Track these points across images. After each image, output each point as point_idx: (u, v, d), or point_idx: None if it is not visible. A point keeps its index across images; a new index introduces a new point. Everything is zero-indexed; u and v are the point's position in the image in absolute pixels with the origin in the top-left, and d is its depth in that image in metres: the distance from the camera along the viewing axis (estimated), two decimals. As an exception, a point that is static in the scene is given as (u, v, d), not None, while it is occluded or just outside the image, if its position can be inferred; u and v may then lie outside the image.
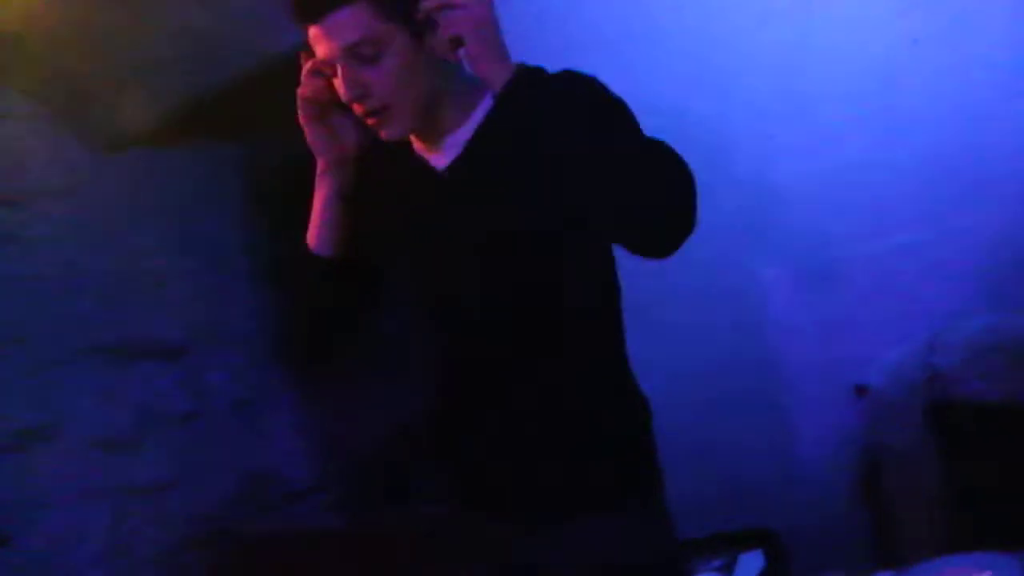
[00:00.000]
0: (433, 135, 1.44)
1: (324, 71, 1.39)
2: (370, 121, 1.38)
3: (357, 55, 1.32)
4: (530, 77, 1.31)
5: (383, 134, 1.39)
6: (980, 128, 2.62)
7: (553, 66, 1.38)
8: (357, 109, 1.37)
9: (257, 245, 2.74)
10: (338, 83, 1.35)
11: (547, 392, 1.45)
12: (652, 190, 1.28)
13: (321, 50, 1.34)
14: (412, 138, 1.47)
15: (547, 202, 1.37)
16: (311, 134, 1.46)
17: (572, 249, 1.43)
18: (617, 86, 1.41)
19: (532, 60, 1.35)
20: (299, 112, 1.44)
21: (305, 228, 1.54)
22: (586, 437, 1.46)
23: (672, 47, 2.76)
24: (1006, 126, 2.60)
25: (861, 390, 2.56)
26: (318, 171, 1.50)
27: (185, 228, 2.60)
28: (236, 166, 2.77)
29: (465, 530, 1.56)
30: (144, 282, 2.45)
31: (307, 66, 1.40)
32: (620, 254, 1.42)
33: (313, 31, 1.34)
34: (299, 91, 1.42)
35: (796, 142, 2.75)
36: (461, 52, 1.31)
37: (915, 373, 2.41)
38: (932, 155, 2.66)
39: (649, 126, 1.37)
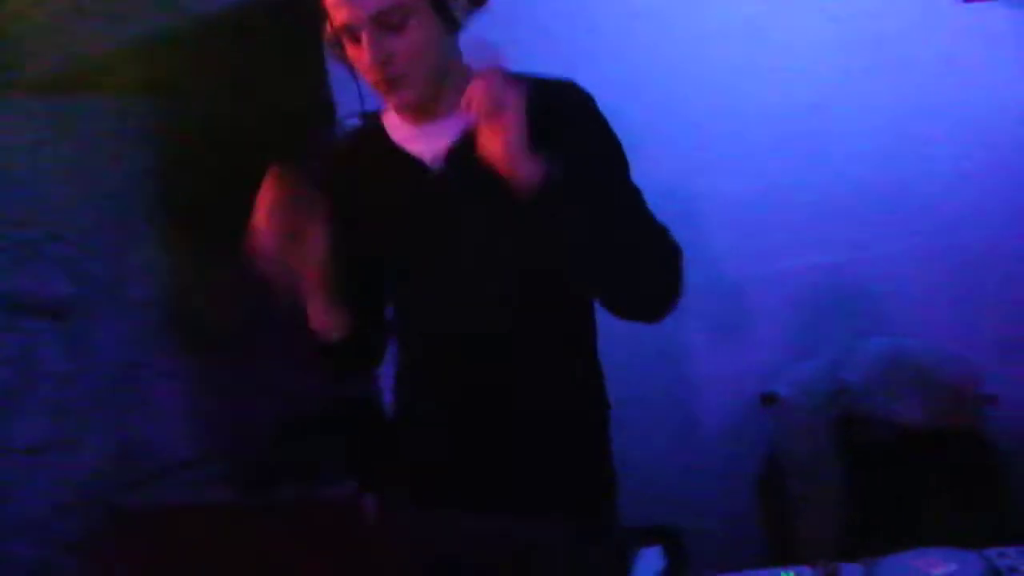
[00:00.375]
0: (427, 116, 1.46)
1: (339, 37, 1.39)
2: (383, 86, 1.39)
3: (384, 23, 1.34)
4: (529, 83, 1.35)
5: (395, 99, 1.41)
6: (903, 157, 2.72)
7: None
8: (373, 75, 1.38)
9: (159, 207, 2.63)
10: (354, 49, 1.37)
11: (530, 385, 1.49)
12: (644, 275, 1.40)
13: (344, 15, 1.35)
14: (395, 125, 1.49)
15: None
16: (284, 274, 1.40)
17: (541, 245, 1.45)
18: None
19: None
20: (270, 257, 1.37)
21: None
22: (564, 435, 1.51)
23: (615, 52, 2.79)
24: (927, 157, 2.69)
25: (768, 399, 2.58)
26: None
27: (85, 182, 2.48)
28: (143, 124, 2.67)
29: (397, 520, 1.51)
30: (38, 235, 2.32)
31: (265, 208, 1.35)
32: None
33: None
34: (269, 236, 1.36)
35: (724, 159, 2.80)
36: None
37: (823, 387, 2.46)
38: (855, 181, 2.72)
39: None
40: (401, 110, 1.47)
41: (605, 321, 1.54)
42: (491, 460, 1.50)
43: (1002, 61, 2.67)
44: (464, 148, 1.40)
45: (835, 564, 1.18)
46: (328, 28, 1.40)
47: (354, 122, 1.59)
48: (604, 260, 1.38)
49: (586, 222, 1.35)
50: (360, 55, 1.36)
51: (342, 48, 1.41)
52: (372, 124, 1.54)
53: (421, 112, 1.46)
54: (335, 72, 2.92)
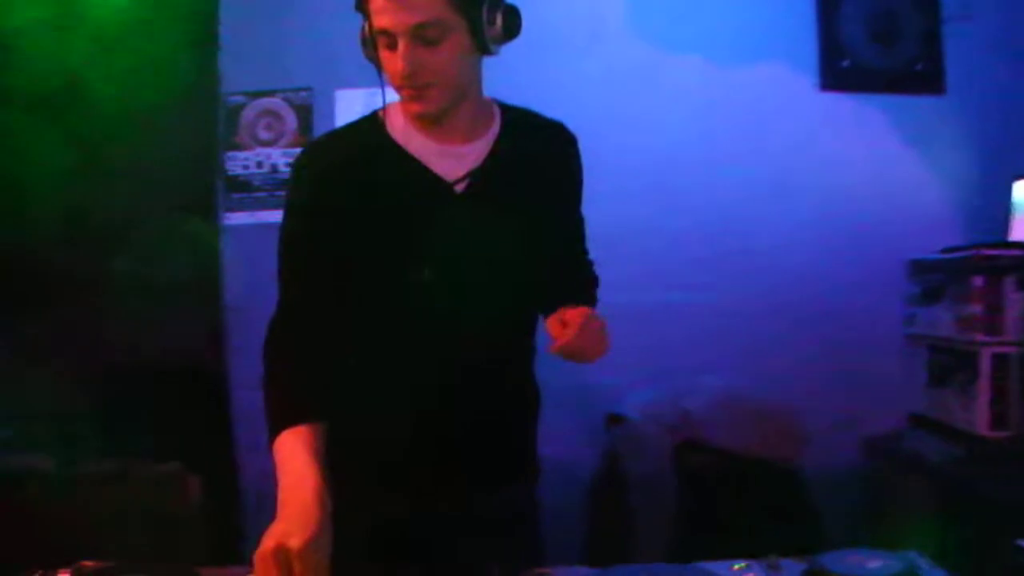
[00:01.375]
0: (452, 138, 1.54)
1: (374, 38, 1.44)
2: (407, 94, 1.45)
3: (422, 35, 1.40)
4: (521, 116, 1.62)
5: (419, 108, 1.46)
6: (751, 217, 3.05)
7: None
8: (400, 82, 1.44)
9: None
10: (387, 54, 1.43)
11: (498, 384, 1.63)
12: None
13: (386, 20, 1.39)
14: (409, 137, 1.53)
15: (536, 225, 1.60)
16: None
17: (541, 267, 1.64)
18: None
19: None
20: None
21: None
22: (522, 424, 1.72)
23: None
24: (772, 218, 3.03)
25: (613, 420, 2.81)
26: None
27: None
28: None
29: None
30: None
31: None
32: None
33: (383, 2, 1.39)
34: None
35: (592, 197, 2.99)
36: None
37: (668, 414, 2.70)
38: (706, 231, 3.02)
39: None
40: (417, 120, 1.51)
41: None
42: (453, 451, 1.61)
43: (846, 143, 3.08)
44: (485, 173, 1.53)
45: (777, 559, 1.37)
46: (366, 28, 1.46)
47: (353, 122, 1.61)
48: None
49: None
50: (392, 60, 1.42)
51: (375, 48, 1.45)
52: (373, 126, 1.56)
53: (443, 132, 1.52)
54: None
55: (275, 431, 1.45)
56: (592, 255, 1.82)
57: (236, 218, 2.99)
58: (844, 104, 3.09)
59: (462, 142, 1.54)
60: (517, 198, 1.56)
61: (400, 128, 1.54)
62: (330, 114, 2.99)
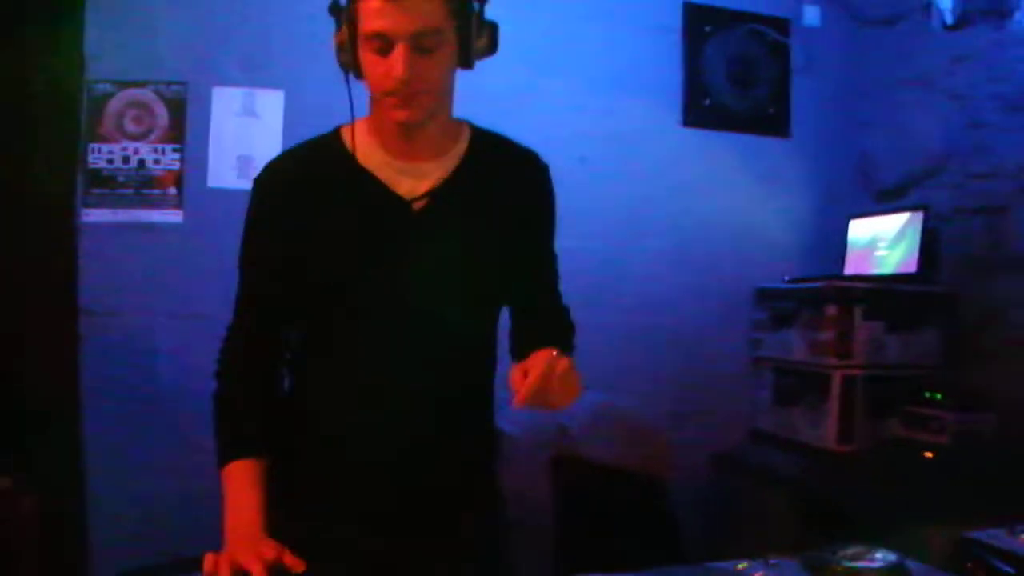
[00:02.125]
0: (417, 155, 1.53)
1: (353, 41, 1.43)
2: (394, 100, 1.43)
3: (419, 43, 1.39)
4: (491, 139, 1.61)
5: (405, 115, 1.44)
6: (621, 243, 3.17)
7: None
8: (391, 87, 1.41)
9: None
10: (373, 58, 1.40)
11: (453, 407, 1.58)
12: None
13: (384, 24, 1.37)
14: (369, 152, 1.53)
15: (492, 248, 1.57)
16: None
17: (495, 291, 1.63)
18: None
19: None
20: None
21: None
22: (479, 448, 1.67)
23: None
24: (640, 246, 3.18)
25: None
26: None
27: None
28: None
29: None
30: None
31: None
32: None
33: (381, 4, 1.36)
34: None
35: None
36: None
37: (544, 428, 2.77)
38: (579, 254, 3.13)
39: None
40: (398, 128, 1.49)
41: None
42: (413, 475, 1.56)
43: (702, 176, 3.30)
44: (444, 193, 1.52)
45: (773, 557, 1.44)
46: (345, 30, 1.43)
47: (314, 139, 1.58)
48: None
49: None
50: (380, 65, 1.39)
51: (351, 52, 1.43)
52: (333, 144, 1.55)
53: (409, 148, 1.51)
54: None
55: (225, 459, 1.51)
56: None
57: (96, 215, 2.78)
58: (703, 140, 3.31)
59: (426, 159, 1.53)
60: (476, 220, 1.55)
61: (361, 145, 1.53)
62: (205, 111, 2.86)
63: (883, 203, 3.29)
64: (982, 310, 2.86)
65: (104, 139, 2.79)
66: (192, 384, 2.84)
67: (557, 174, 1.65)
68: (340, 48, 1.46)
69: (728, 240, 3.33)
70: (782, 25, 3.37)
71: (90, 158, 2.78)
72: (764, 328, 3.24)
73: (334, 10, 1.46)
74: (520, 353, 1.61)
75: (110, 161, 2.79)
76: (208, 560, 1.34)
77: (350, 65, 1.45)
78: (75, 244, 2.76)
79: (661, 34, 3.27)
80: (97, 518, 2.77)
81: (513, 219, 1.59)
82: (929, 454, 2.66)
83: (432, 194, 1.52)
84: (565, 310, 1.77)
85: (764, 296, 3.26)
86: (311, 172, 1.53)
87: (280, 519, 1.46)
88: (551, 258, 1.73)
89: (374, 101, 1.49)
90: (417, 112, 1.44)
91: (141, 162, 2.80)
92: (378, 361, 1.52)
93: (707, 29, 3.29)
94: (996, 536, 1.52)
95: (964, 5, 2.34)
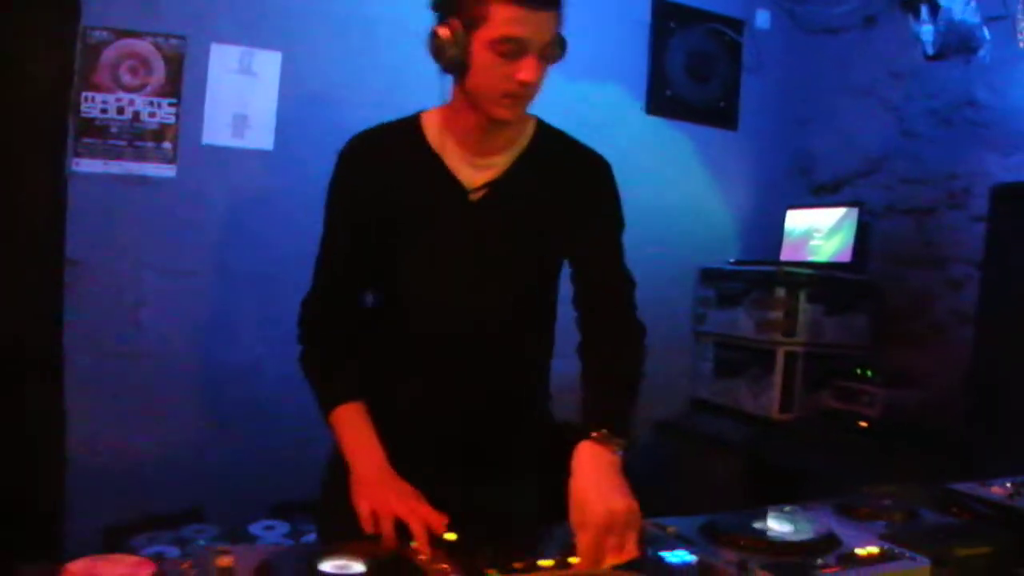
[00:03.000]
0: (487, 150, 1.64)
1: (468, 37, 1.50)
2: (509, 100, 1.54)
3: (545, 53, 1.52)
4: (554, 136, 1.71)
5: (510, 114, 1.56)
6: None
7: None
8: (511, 88, 1.52)
9: None
10: (496, 60, 1.49)
11: (501, 386, 1.70)
12: None
13: (522, 31, 1.47)
14: (452, 152, 1.64)
15: (547, 240, 1.69)
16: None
17: (552, 277, 1.76)
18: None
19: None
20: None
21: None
22: (527, 420, 1.77)
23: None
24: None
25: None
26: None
27: None
28: None
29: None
30: None
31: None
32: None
33: (521, 13, 1.46)
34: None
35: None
36: None
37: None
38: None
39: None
40: (483, 124, 1.60)
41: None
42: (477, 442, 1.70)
43: (661, 163, 3.53)
44: (502, 185, 1.65)
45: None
46: (455, 26, 1.50)
47: (396, 121, 1.69)
48: None
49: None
50: (504, 68, 1.49)
51: (463, 48, 1.51)
52: (413, 129, 1.67)
53: (483, 142, 1.63)
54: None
55: (333, 404, 1.62)
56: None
57: (87, 165, 2.74)
58: (663, 128, 3.55)
59: (494, 154, 1.65)
60: (529, 212, 1.66)
61: (436, 135, 1.65)
62: (203, 67, 2.85)
63: (819, 197, 3.63)
64: (907, 299, 3.24)
65: (98, 88, 2.74)
66: (175, 340, 2.88)
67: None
68: (447, 43, 1.52)
69: (677, 222, 3.58)
70: (738, 26, 3.63)
71: (83, 107, 2.73)
72: (709, 305, 3.53)
73: (441, 5, 1.53)
74: (586, 385, 1.65)
75: (104, 111, 2.74)
76: (365, 511, 1.44)
77: (458, 60, 1.52)
78: (64, 192, 2.72)
79: (632, 26, 3.48)
80: (73, 471, 2.76)
81: (568, 215, 1.68)
82: (864, 424, 3.02)
83: (490, 185, 1.64)
84: (636, 331, 1.71)
85: (710, 276, 3.54)
86: (391, 152, 1.64)
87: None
88: (614, 258, 1.71)
89: (467, 96, 1.57)
90: (518, 112, 1.58)
91: (136, 114, 2.78)
92: (429, 336, 1.66)
93: (672, 25, 3.51)
94: (972, 487, 1.80)
95: (943, 40, 2.65)
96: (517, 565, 1.29)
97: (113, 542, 2.69)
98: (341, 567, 1.25)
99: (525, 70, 1.49)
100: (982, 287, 2.55)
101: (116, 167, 2.77)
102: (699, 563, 1.33)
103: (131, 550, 2.52)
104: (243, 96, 2.91)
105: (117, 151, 2.77)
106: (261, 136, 2.94)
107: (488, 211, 1.64)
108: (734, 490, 3.09)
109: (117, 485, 2.80)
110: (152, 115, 2.81)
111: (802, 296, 3.17)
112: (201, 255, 2.90)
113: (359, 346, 1.70)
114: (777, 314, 3.18)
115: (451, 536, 1.40)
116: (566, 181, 1.68)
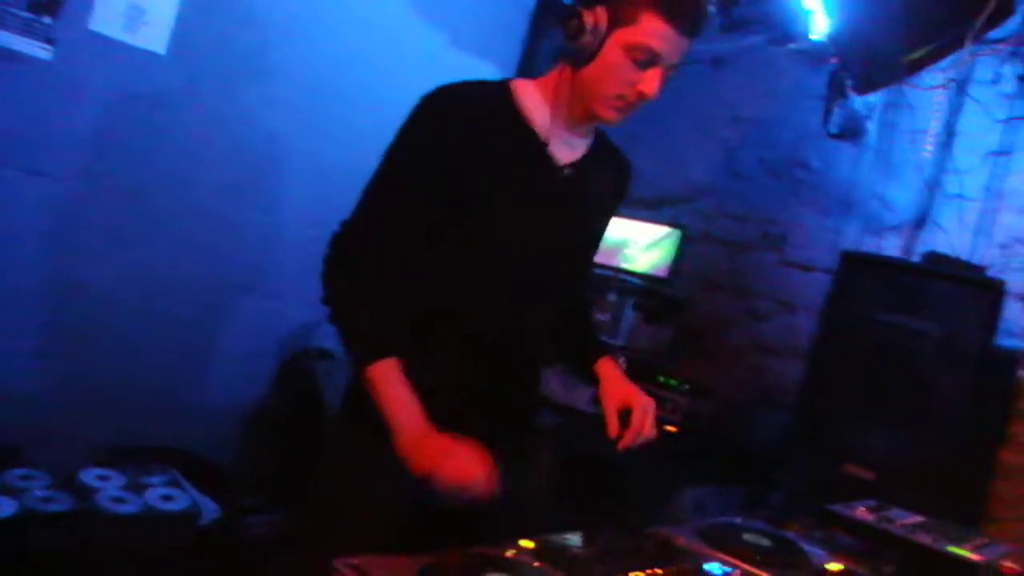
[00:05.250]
0: (573, 131, 1.70)
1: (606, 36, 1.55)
2: (623, 104, 1.61)
3: (669, 73, 1.60)
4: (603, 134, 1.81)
5: (619, 118, 1.64)
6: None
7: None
8: (630, 95, 1.58)
9: None
10: (628, 69, 1.55)
11: (533, 348, 1.78)
12: None
13: (664, 47, 1.55)
14: (536, 112, 1.67)
15: (599, 225, 1.85)
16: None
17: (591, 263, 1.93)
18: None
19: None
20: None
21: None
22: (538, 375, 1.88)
23: None
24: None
25: (321, 355, 2.91)
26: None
27: None
28: None
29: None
30: None
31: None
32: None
33: (668, 31, 1.54)
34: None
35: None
36: None
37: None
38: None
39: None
40: (603, 124, 1.68)
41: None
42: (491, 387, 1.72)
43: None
44: (583, 166, 1.71)
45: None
46: (601, 18, 1.54)
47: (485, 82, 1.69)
48: None
49: None
50: (631, 73, 1.55)
51: (601, 40, 1.55)
52: (504, 95, 1.66)
53: (570, 123, 1.67)
54: None
55: (374, 356, 1.53)
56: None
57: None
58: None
59: (577, 136, 1.71)
60: (597, 196, 1.77)
61: (528, 105, 1.67)
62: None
63: (635, 210, 3.92)
64: (710, 321, 3.64)
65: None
66: (13, 248, 2.45)
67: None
68: (588, 29, 1.55)
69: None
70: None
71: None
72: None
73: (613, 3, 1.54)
74: (568, 343, 1.88)
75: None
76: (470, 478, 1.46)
77: (591, 49, 1.55)
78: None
79: (515, 11, 3.51)
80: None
81: (607, 209, 1.83)
82: (672, 428, 3.35)
83: (576, 165, 1.70)
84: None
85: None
86: (482, 111, 1.63)
87: None
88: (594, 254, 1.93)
89: (575, 82, 1.61)
90: (622, 118, 1.64)
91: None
92: (490, 291, 1.67)
93: (552, 18, 3.60)
94: (841, 509, 2.11)
95: (843, 124, 3.05)
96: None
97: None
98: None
99: (649, 83, 1.56)
100: (820, 330, 2.95)
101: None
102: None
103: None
104: (143, -15, 2.53)
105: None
106: (155, 36, 2.59)
107: (574, 189, 1.68)
108: (551, 475, 3.29)
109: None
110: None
111: (629, 303, 3.44)
112: (64, 157, 2.50)
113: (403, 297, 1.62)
114: (606, 316, 3.42)
115: None
116: (612, 179, 1.80)
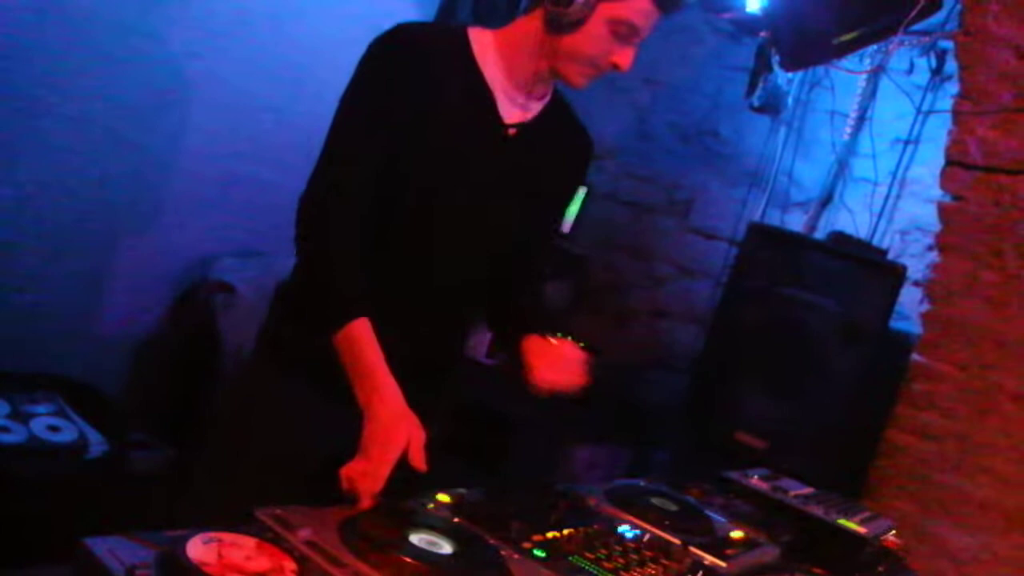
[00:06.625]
0: (523, 88, 1.65)
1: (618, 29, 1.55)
2: (594, 72, 1.59)
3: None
4: (563, 101, 1.77)
5: (585, 83, 1.61)
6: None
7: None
8: (602, 65, 1.58)
9: None
10: (605, 37, 1.55)
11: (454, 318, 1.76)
12: None
13: (643, 22, 1.55)
14: (493, 76, 1.63)
15: (540, 196, 1.78)
16: None
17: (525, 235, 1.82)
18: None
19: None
20: None
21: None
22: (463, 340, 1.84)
23: None
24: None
25: (221, 287, 2.79)
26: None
27: None
28: None
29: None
30: None
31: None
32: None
33: (651, 8, 1.54)
34: None
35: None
36: None
37: (271, 283, 2.82)
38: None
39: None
40: (544, 74, 1.62)
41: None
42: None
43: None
44: (530, 130, 1.67)
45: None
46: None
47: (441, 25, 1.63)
48: None
49: None
50: (609, 45, 1.55)
51: (591, 10, 1.52)
52: (462, 43, 1.61)
53: (526, 87, 1.63)
54: None
55: (347, 317, 1.46)
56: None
57: None
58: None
59: (534, 98, 1.67)
60: (539, 165, 1.72)
61: (481, 54, 1.62)
62: None
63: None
64: (608, 280, 3.64)
65: None
66: None
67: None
68: (578, 0, 1.53)
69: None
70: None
71: None
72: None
73: None
74: (502, 317, 1.80)
75: None
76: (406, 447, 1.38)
77: (576, 18, 1.53)
78: None
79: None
80: None
81: (554, 184, 1.78)
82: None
83: (523, 127, 1.66)
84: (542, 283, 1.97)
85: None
86: (435, 55, 1.58)
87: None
88: (556, 232, 1.95)
89: (550, 46, 1.57)
90: (588, 84, 1.61)
91: None
92: (423, 246, 1.62)
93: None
94: (739, 476, 2.16)
95: (765, 98, 3.07)
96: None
97: None
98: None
99: (625, 57, 1.57)
100: (722, 298, 2.99)
101: None
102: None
103: None
104: None
105: None
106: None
107: (516, 151, 1.65)
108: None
109: None
110: None
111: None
112: None
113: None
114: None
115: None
116: (563, 155, 1.75)
